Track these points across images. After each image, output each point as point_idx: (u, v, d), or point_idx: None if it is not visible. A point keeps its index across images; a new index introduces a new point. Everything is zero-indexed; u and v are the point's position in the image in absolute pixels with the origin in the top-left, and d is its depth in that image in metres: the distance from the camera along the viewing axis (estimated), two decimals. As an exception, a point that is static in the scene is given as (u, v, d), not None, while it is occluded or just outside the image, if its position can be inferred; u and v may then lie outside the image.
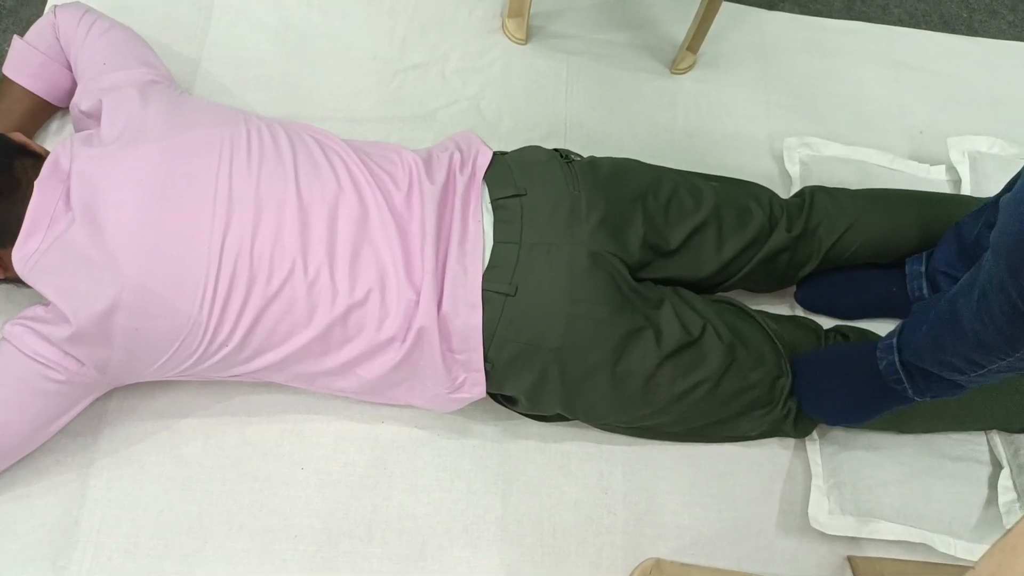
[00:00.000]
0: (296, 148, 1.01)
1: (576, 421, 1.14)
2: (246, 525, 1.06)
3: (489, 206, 1.02)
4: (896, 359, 1.00)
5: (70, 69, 1.16)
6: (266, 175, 0.97)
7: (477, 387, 1.02)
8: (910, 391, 1.00)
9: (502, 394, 1.08)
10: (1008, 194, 0.80)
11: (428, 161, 1.06)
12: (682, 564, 1.09)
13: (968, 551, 1.13)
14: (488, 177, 1.05)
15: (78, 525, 1.02)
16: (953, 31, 1.67)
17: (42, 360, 0.91)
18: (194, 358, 0.95)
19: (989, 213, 1.08)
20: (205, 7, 1.38)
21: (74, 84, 1.15)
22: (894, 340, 1.01)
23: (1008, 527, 1.14)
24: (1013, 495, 1.15)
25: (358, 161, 1.02)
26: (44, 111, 1.20)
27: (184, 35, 1.35)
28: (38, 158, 0.99)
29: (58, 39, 1.14)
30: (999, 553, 0.58)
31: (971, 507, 1.15)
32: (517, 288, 0.96)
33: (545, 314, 0.97)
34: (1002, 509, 1.15)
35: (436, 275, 0.97)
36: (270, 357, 0.97)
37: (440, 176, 1.03)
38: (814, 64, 1.57)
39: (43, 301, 0.94)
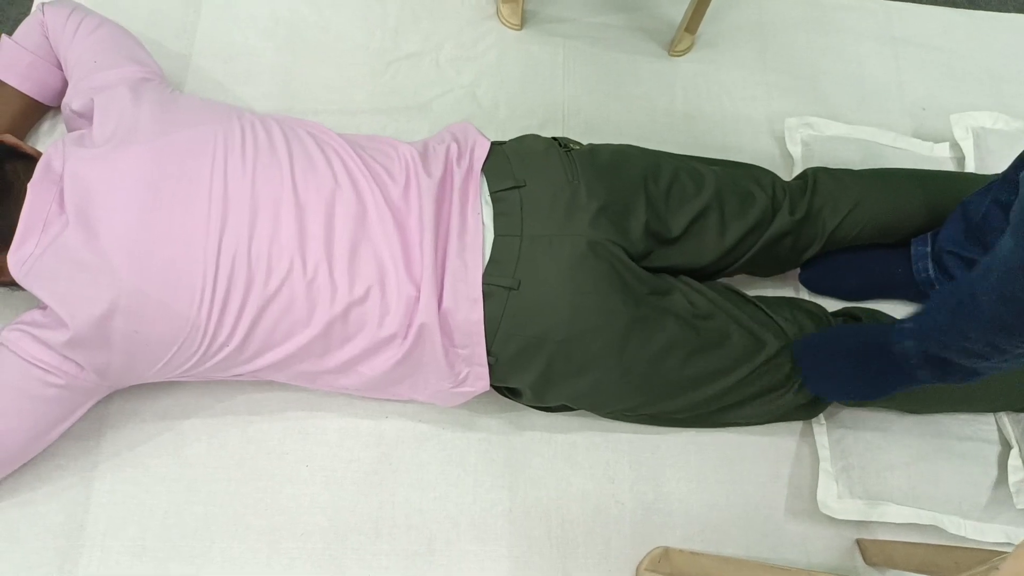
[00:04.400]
0: (291, 144, 0.99)
1: (581, 411, 1.14)
2: (252, 525, 1.06)
3: (488, 199, 1.01)
4: (914, 344, 0.96)
5: (60, 68, 1.14)
6: (261, 172, 0.95)
7: (480, 381, 1.01)
8: (927, 376, 0.97)
9: (506, 386, 1.07)
10: None
11: (425, 154, 1.05)
12: (691, 552, 1.08)
13: (979, 531, 1.13)
14: (486, 169, 1.03)
15: (83, 530, 1.02)
16: (953, 5, 1.65)
17: (41, 365, 0.90)
18: (194, 359, 0.94)
19: (997, 190, 1.06)
20: (193, 2, 1.35)
21: (65, 83, 1.13)
22: (912, 324, 0.97)
23: (1019, 506, 1.13)
24: (1023, 474, 1.15)
25: (354, 156, 1.00)
26: (35, 111, 1.18)
27: (173, 31, 1.33)
28: (30, 160, 0.98)
29: (47, 38, 1.12)
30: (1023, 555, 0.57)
31: (981, 487, 1.14)
32: (520, 282, 0.95)
33: (549, 307, 0.96)
34: (1012, 488, 1.14)
35: (436, 270, 0.96)
36: (271, 357, 0.96)
37: (437, 169, 1.01)
38: (813, 42, 1.54)
39: (41, 305, 0.93)
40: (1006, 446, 1.19)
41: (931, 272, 1.18)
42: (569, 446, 1.16)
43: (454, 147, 1.05)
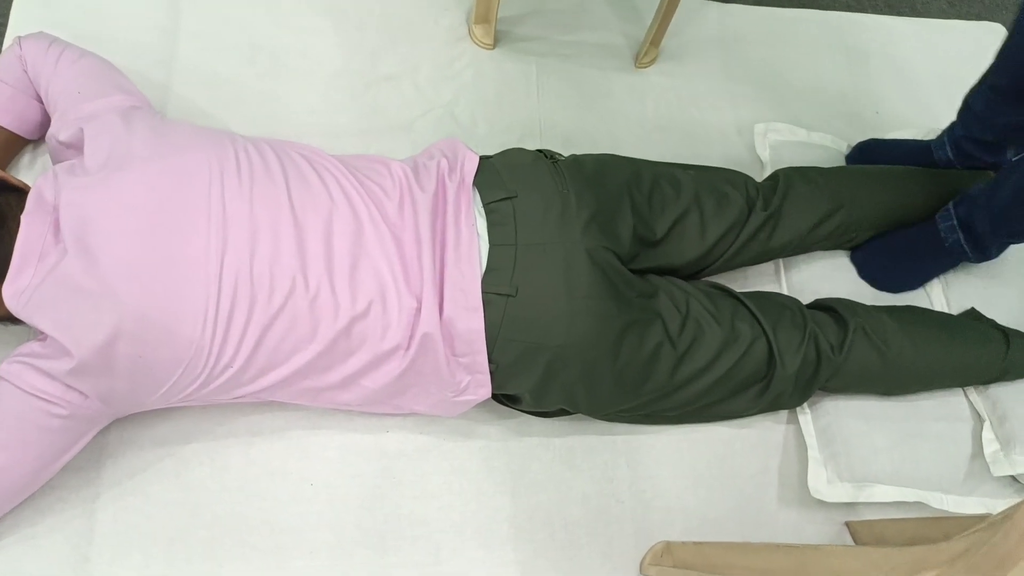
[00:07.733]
0: (286, 166, 1.01)
1: (578, 414, 1.16)
2: (258, 546, 1.05)
3: (481, 210, 1.03)
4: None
5: (40, 101, 1.14)
6: (259, 194, 0.97)
7: (482, 389, 1.03)
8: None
9: (504, 393, 1.09)
10: None
11: (416, 170, 1.07)
12: (693, 543, 1.11)
13: (959, 504, 1.19)
14: (477, 182, 1.06)
15: (88, 561, 1.01)
16: (898, 13, 1.75)
17: (44, 396, 0.89)
18: (199, 381, 0.95)
19: (993, 75, 1.19)
20: (171, 31, 1.36)
21: (45, 116, 1.13)
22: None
23: (995, 475, 1.19)
24: (996, 445, 1.21)
25: (348, 175, 1.03)
26: (14, 145, 1.17)
27: (152, 61, 1.33)
28: (20, 192, 0.98)
29: (26, 71, 1.12)
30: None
31: (958, 463, 1.20)
32: (517, 289, 0.98)
33: (547, 312, 0.98)
34: (988, 460, 1.21)
35: (435, 281, 0.98)
36: (275, 376, 0.97)
37: (430, 184, 1.04)
38: (771, 53, 1.62)
39: (34, 337, 0.93)
40: (978, 421, 1.25)
41: (957, 227, 1.28)
42: (567, 449, 1.18)
43: (444, 162, 1.08)
